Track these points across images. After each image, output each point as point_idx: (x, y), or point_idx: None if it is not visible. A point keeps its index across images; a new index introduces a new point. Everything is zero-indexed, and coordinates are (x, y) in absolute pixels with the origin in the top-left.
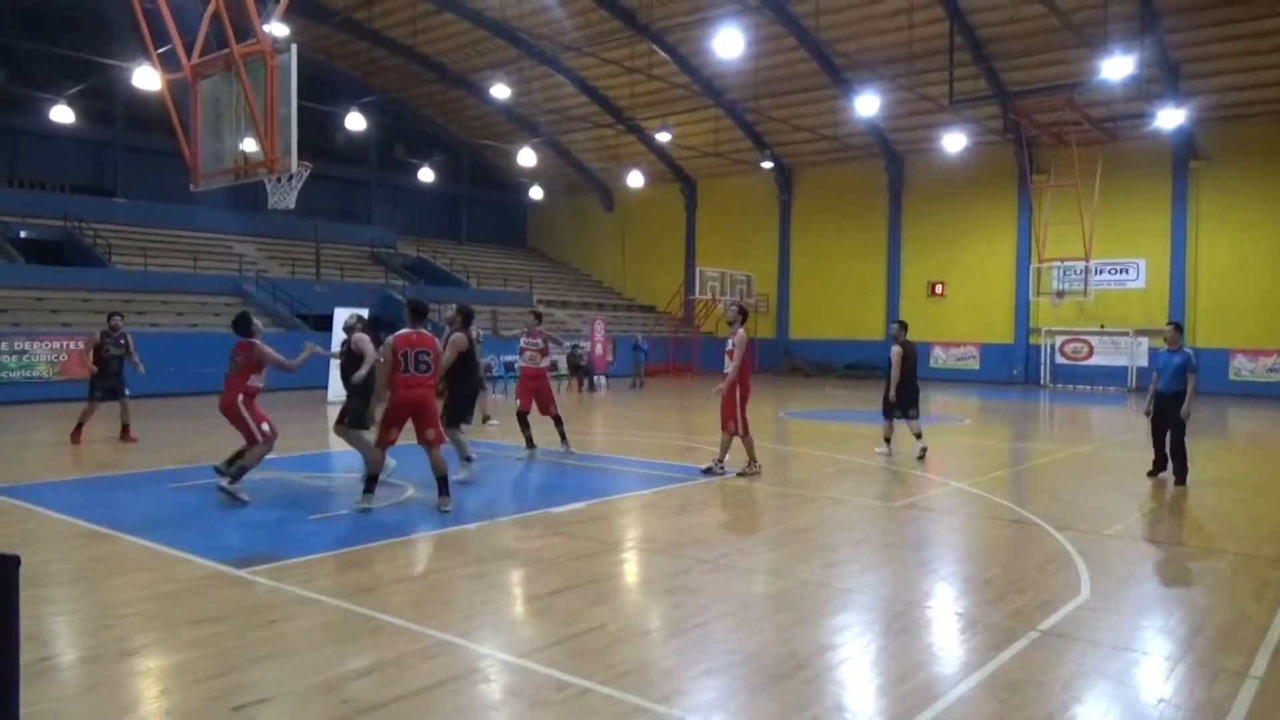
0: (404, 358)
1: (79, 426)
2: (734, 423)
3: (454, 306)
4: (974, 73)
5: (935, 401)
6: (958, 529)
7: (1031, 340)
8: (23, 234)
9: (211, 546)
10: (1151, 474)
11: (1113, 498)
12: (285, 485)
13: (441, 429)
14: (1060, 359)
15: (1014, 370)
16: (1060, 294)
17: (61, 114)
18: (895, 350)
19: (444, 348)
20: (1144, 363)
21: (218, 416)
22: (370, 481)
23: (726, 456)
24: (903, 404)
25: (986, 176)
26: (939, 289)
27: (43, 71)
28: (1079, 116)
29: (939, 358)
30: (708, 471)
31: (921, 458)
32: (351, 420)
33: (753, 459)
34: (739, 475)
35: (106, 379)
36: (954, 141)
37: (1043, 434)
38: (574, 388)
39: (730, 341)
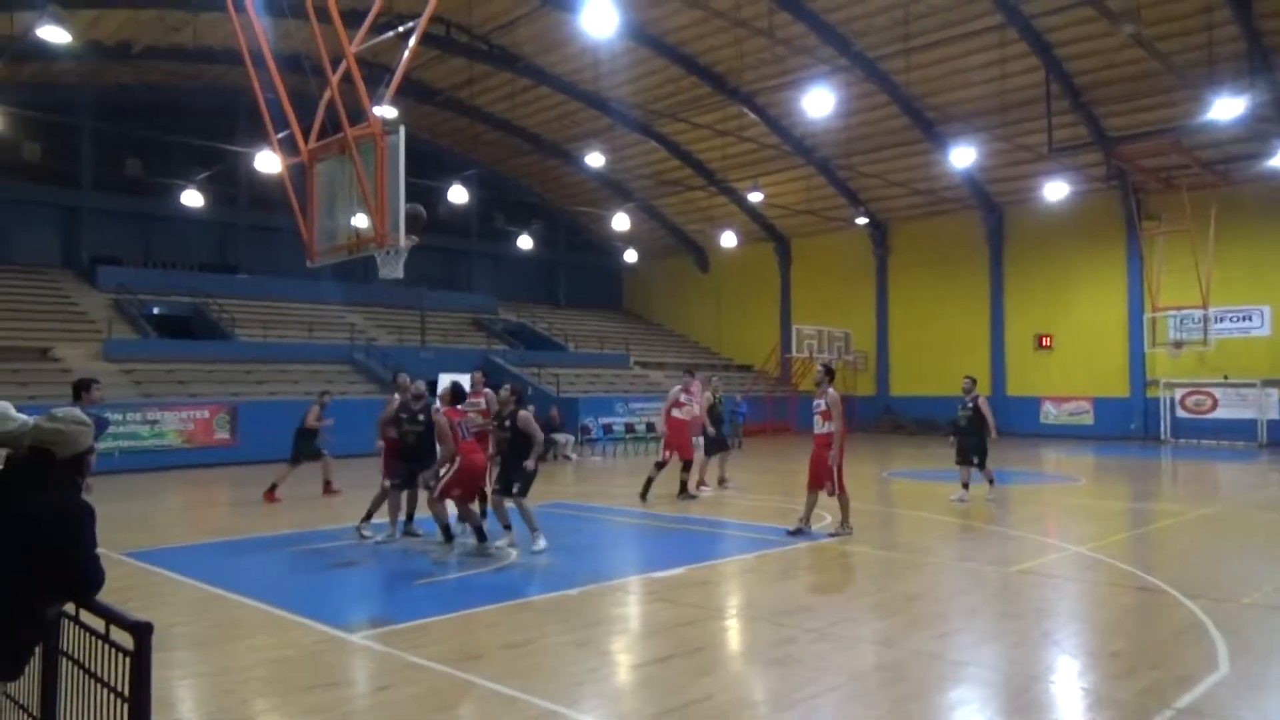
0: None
1: (274, 486)
2: (831, 483)
3: (507, 387)
4: (1072, 120)
5: (1047, 460)
6: (1079, 597)
7: (1149, 393)
8: (156, 310)
9: (326, 610)
10: None
11: (1249, 562)
12: (393, 551)
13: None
14: (1181, 412)
15: (1131, 425)
16: (1178, 344)
17: (191, 198)
18: (983, 400)
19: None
20: (1275, 415)
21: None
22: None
23: (811, 516)
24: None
25: (1092, 224)
26: (1046, 342)
27: (174, 160)
28: (1187, 160)
29: (1049, 413)
30: (796, 533)
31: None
32: (522, 489)
33: (846, 520)
34: (830, 536)
35: (309, 442)
36: (1055, 190)
37: (1166, 493)
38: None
39: (820, 402)
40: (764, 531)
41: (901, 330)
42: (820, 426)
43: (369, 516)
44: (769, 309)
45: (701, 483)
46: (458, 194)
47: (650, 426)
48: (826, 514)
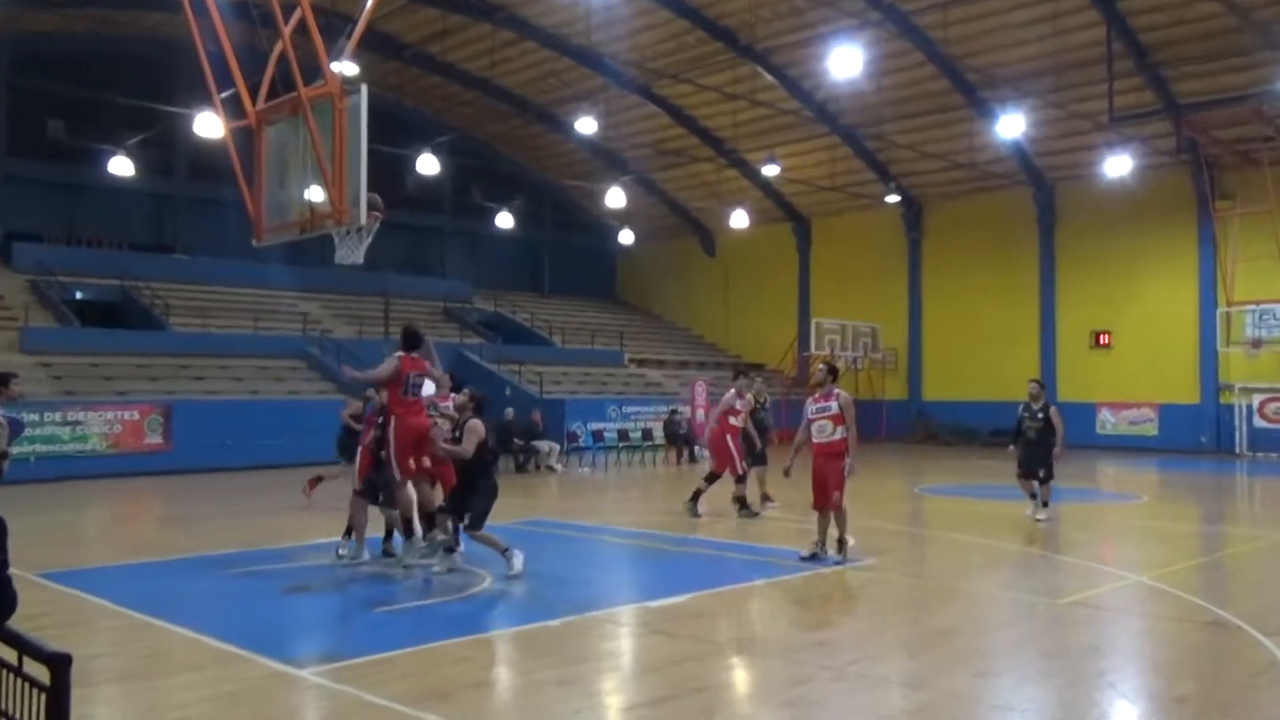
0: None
1: (319, 479)
2: (841, 495)
3: (465, 392)
4: (1137, 84)
5: (1105, 475)
6: (1140, 633)
7: (1222, 399)
8: (79, 295)
9: (272, 641)
10: None
11: None
12: (345, 572)
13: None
14: (1259, 422)
15: (1201, 437)
16: (1257, 343)
17: (121, 166)
18: (1054, 409)
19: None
20: None
21: (280, 493)
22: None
23: (850, 541)
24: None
25: (1158, 205)
26: (1104, 339)
27: (102, 121)
28: (1270, 130)
29: (1106, 421)
30: (810, 558)
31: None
32: (473, 521)
33: (844, 537)
34: (841, 563)
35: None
36: (1116, 165)
37: (1241, 514)
38: (671, 459)
39: (832, 405)
40: (776, 555)
41: (937, 325)
42: (829, 433)
43: (349, 532)
44: (785, 299)
45: (766, 498)
46: (428, 164)
47: (648, 434)
48: (850, 538)
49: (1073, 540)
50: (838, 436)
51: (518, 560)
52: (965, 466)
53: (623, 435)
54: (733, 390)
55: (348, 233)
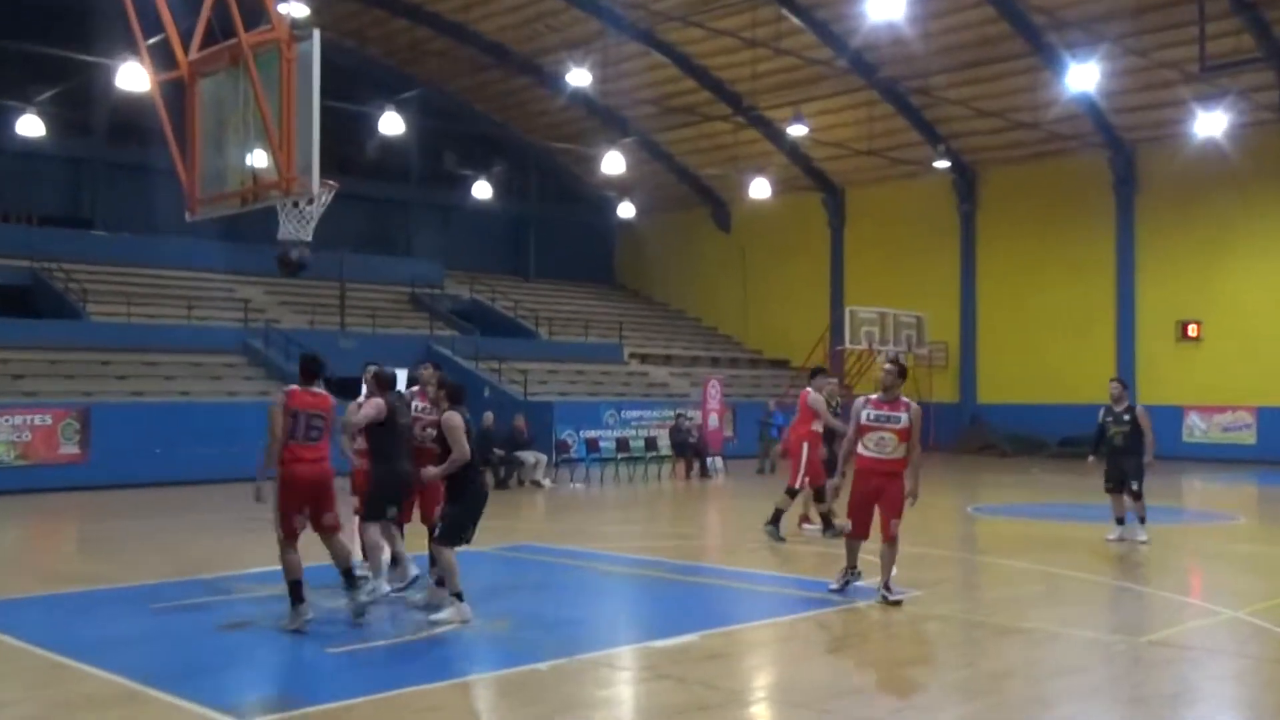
0: (295, 419)
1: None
2: (898, 522)
3: (428, 366)
4: (1233, 27)
5: (1192, 491)
6: (1233, 677)
7: None
8: None
9: (208, 686)
10: None
11: None
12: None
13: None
14: None
15: None
16: None
17: (29, 126)
18: (1142, 410)
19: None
20: None
21: (217, 513)
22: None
23: (893, 572)
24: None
25: (1258, 171)
26: (1193, 331)
27: (6, 74)
28: None
29: (1195, 427)
30: (842, 589)
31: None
32: (443, 533)
33: (854, 565)
34: (889, 596)
35: None
36: (1209, 123)
37: None
38: (680, 473)
39: (902, 416)
40: (802, 587)
41: (994, 315)
42: (891, 449)
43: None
44: (813, 284)
45: (806, 519)
46: (392, 124)
47: (651, 443)
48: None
49: (1154, 568)
50: (900, 454)
51: (457, 613)
52: (1027, 481)
53: (622, 445)
54: (810, 391)
55: (296, 205)
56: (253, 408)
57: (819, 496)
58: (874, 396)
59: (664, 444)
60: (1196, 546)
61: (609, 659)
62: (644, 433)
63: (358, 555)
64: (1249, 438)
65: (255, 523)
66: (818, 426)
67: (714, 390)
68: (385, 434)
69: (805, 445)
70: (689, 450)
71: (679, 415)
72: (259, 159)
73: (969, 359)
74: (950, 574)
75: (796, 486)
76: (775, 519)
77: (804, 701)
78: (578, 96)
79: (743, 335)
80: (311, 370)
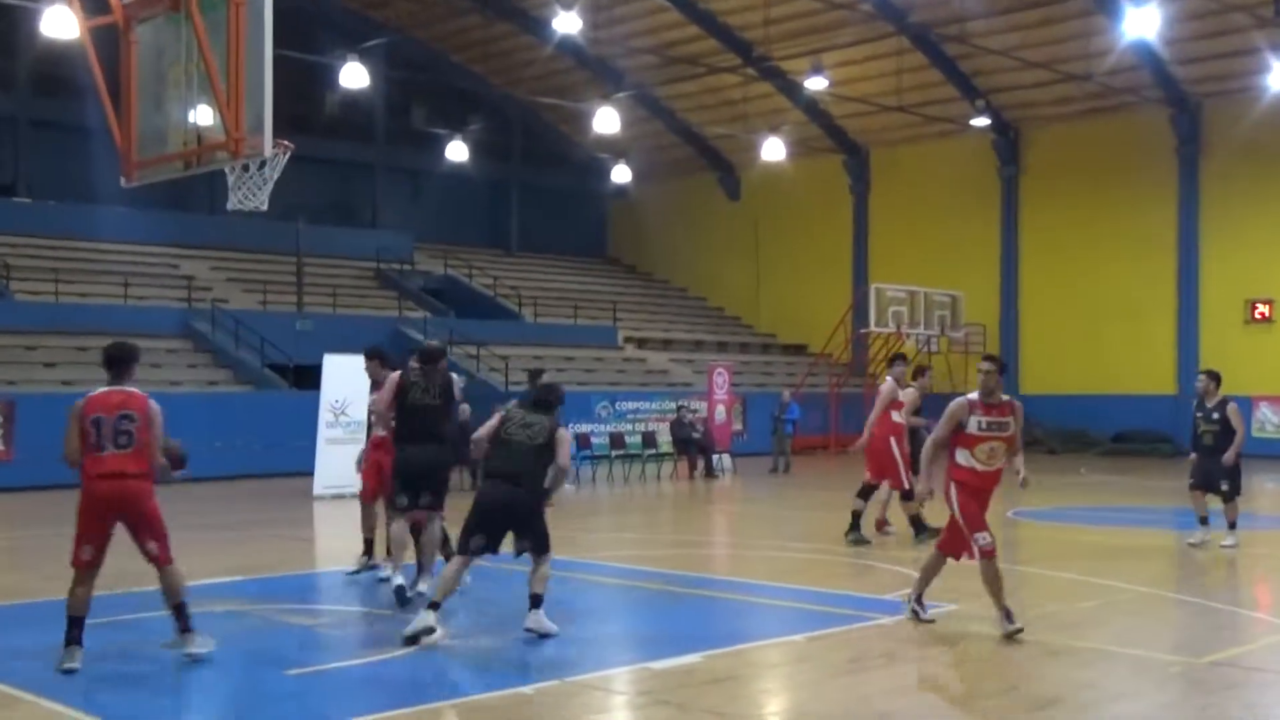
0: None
1: None
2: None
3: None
4: None
5: (1263, 492)
6: None
7: None
8: None
9: (147, 714)
10: None
11: None
12: (252, 623)
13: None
14: None
15: None
16: None
17: None
18: (1234, 407)
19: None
20: None
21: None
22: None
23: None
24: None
25: None
26: (1264, 311)
27: None
28: None
29: (1267, 421)
30: (915, 617)
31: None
32: (544, 542)
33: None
34: (920, 611)
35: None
36: None
37: None
38: (682, 472)
39: (1008, 420)
40: (821, 601)
41: (1039, 294)
42: (1000, 459)
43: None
44: (834, 259)
45: (885, 522)
46: (355, 76)
47: (650, 438)
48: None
49: (1219, 580)
50: (1003, 464)
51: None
52: (1077, 483)
53: (616, 441)
54: (890, 380)
55: (246, 169)
56: (198, 399)
57: (906, 497)
58: (974, 398)
59: (664, 440)
60: (1266, 555)
61: (602, 682)
62: (641, 427)
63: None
64: None
65: (200, 529)
66: (899, 418)
67: (721, 379)
68: (395, 417)
69: (892, 440)
70: (692, 447)
71: (681, 407)
72: (204, 116)
73: (1010, 344)
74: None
75: (891, 484)
76: (855, 524)
77: None
78: (566, 45)
79: (753, 317)
80: (119, 360)
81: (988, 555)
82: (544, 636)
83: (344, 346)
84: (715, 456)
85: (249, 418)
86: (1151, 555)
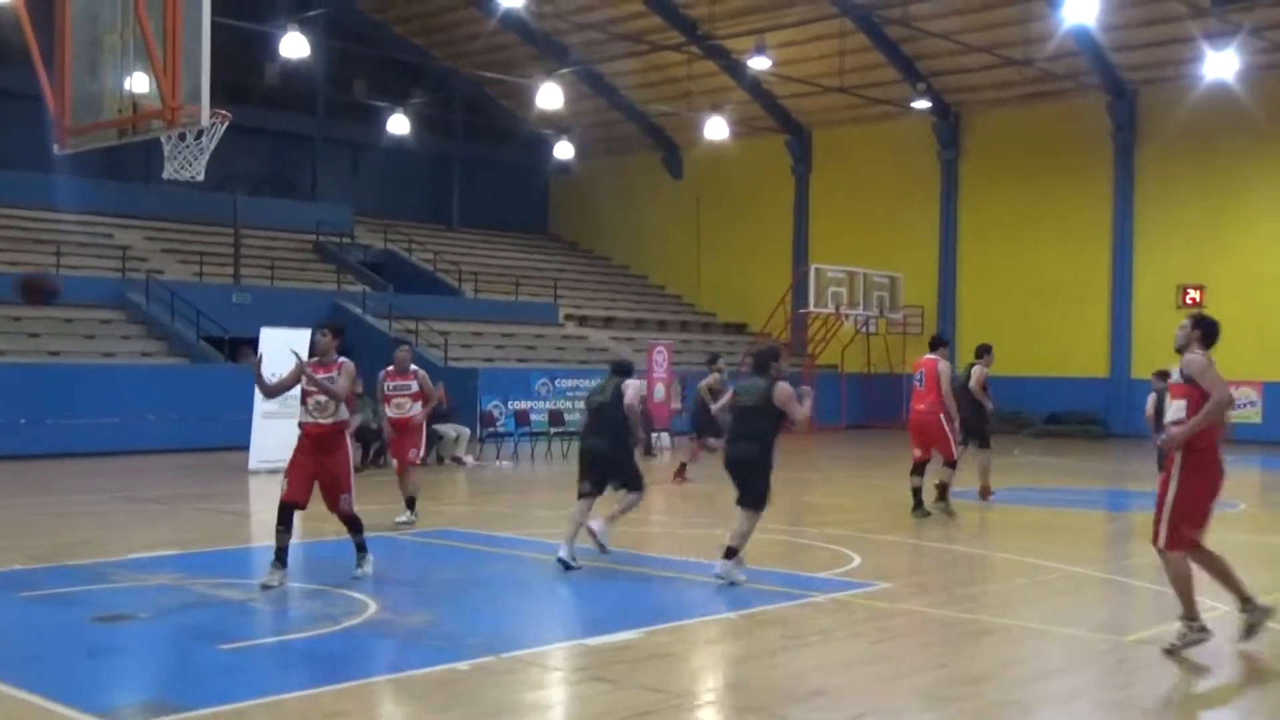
0: None
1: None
2: None
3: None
4: None
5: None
6: (1229, 680)
7: None
8: None
9: (78, 688)
10: None
11: None
12: (185, 598)
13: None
14: None
15: None
16: None
17: None
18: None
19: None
20: None
21: (91, 491)
22: None
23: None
24: None
25: (1271, 119)
26: (1195, 297)
27: None
28: None
29: None
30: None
31: None
32: (755, 500)
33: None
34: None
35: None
36: (1218, 65)
37: None
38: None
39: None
40: (757, 578)
41: (977, 276)
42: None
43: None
44: (775, 238)
45: (988, 490)
46: (296, 46)
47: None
48: (853, 556)
49: (1148, 560)
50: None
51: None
52: (1011, 463)
53: (555, 418)
54: (940, 360)
55: (183, 138)
56: (132, 371)
57: (948, 466)
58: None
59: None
60: None
61: (538, 658)
62: (581, 404)
63: None
64: (1254, 416)
65: (133, 502)
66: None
67: (660, 357)
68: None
69: (943, 417)
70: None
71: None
72: (140, 84)
73: (947, 325)
74: (923, 565)
75: (956, 458)
76: (944, 494)
77: (756, 706)
78: (511, 19)
79: (694, 296)
80: None
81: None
82: (731, 584)
83: (281, 320)
84: (654, 434)
85: (184, 391)
86: (1083, 535)
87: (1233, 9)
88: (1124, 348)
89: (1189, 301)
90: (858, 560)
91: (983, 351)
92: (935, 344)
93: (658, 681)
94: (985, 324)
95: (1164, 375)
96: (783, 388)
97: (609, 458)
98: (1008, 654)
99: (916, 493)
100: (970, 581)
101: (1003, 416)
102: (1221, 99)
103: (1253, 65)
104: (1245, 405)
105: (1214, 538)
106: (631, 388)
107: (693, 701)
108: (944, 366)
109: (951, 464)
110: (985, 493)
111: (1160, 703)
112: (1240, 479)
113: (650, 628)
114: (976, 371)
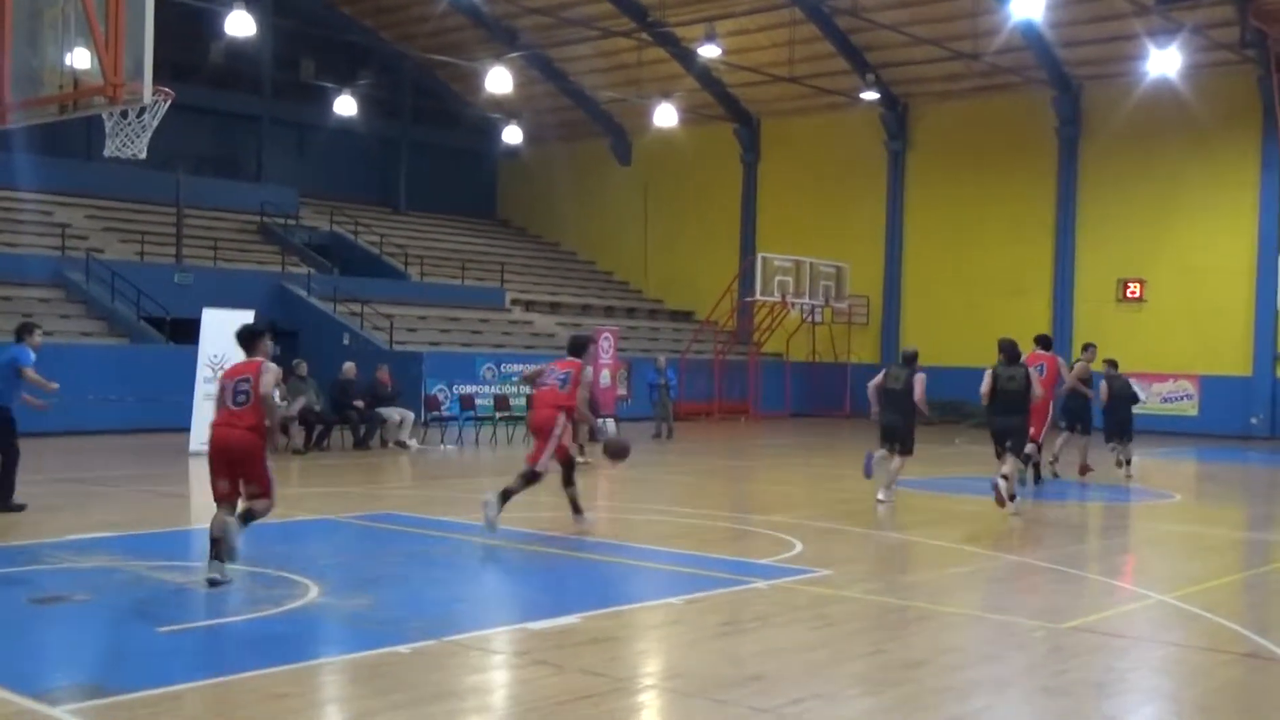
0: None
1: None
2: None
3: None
4: None
5: (1139, 466)
6: (1159, 666)
7: None
8: None
9: (16, 672)
10: None
11: None
12: (124, 579)
13: None
14: None
15: (1253, 418)
16: None
17: None
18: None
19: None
20: None
21: (27, 472)
22: None
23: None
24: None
25: (1214, 116)
26: (1134, 290)
27: None
28: None
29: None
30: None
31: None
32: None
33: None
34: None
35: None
36: (1161, 62)
37: None
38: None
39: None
40: (700, 565)
41: (922, 267)
42: None
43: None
44: (723, 226)
45: (1087, 468)
46: (241, 24)
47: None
48: (795, 542)
49: (1083, 549)
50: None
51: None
52: (951, 453)
53: (501, 403)
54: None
55: (125, 116)
56: (71, 351)
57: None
58: None
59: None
60: (1127, 527)
61: (479, 641)
62: (526, 389)
63: None
64: (1190, 409)
65: (72, 484)
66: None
67: (606, 343)
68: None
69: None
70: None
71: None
72: (81, 59)
73: (892, 316)
74: (862, 552)
75: (1040, 440)
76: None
77: (695, 690)
78: (460, 2)
79: (642, 282)
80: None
81: None
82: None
83: (224, 301)
84: (599, 420)
85: (124, 371)
86: (1020, 525)
87: (1176, 7)
88: (1065, 339)
89: (1129, 295)
90: (799, 547)
91: (1087, 347)
92: (1048, 343)
93: (599, 666)
94: (929, 315)
95: (1114, 364)
96: (917, 378)
97: (904, 433)
98: (944, 640)
99: (1036, 467)
100: (910, 569)
101: (944, 406)
102: (1164, 95)
103: (1194, 63)
104: (1182, 398)
105: (1147, 528)
106: (917, 384)
107: (634, 686)
108: (1061, 363)
109: (1037, 443)
110: (1084, 470)
111: (1093, 686)
112: (1175, 471)
113: (591, 612)
114: (1079, 366)
